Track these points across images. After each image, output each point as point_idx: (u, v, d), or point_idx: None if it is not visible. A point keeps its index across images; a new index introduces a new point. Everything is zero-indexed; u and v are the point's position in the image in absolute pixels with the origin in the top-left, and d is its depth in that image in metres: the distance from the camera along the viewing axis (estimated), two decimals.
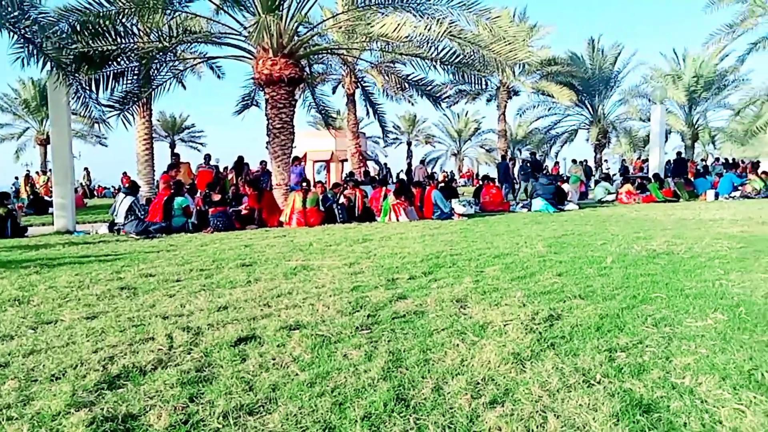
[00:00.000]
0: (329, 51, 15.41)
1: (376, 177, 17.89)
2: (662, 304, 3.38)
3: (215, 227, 9.22)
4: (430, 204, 11.17)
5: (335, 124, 21.84)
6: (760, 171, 16.88)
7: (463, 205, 12.49)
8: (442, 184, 14.27)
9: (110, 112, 11.65)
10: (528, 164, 19.03)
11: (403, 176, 26.86)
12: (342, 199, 10.93)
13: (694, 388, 2.12)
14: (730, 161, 30.54)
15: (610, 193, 16.47)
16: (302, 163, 15.79)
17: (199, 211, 9.89)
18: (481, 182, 16.52)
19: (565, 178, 18.34)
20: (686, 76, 28.81)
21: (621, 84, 27.96)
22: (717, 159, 32.79)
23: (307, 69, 14.76)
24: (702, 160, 33.58)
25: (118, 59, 11.02)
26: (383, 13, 11.05)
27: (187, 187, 10.78)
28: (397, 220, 10.62)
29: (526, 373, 2.35)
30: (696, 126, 30.42)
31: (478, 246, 6.39)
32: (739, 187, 15.67)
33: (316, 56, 15.70)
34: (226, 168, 15.67)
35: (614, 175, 25.49)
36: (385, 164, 29.33)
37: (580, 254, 5.52)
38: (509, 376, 2.33)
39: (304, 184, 10.83)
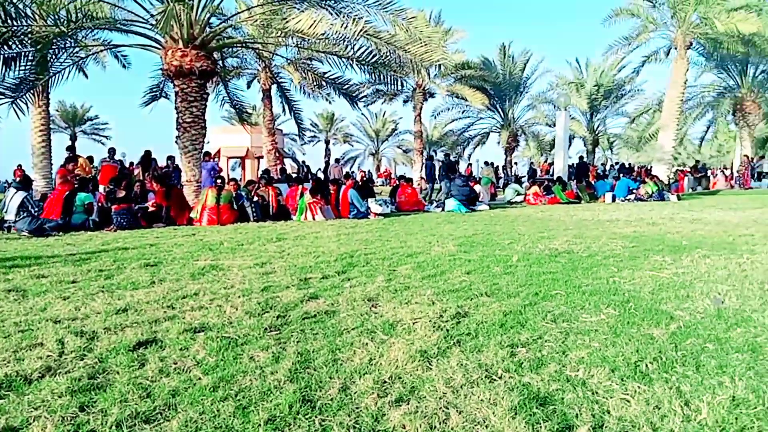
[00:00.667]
0: (243, 44, 15.04)
1: (293, 175, 17.67)
2: (561, 301, 3.56)
3: (119, 225, 8.72)
4: (347, 203, 11.16)
5: (250, 119, 21.35)
6: (652, 175, 18.25)
7: (380, 205, 12.60)
8: (360, 183, 14.33)
9: (1, 99, 10.75)
10: (444, 165, 19.50)
11: (320, 175, 26.71)
12: (255, 198, 10.69)
13: (586, 381, 2.24)
14: (626, 166, 32.78)
15: (518, 195, 17.20)
16: (214, 159, 15.31)
17: (101, 208, 9.31)
18: (397, 182, 16.73)
19: (477, 179, 18.95)
20: (588, 84, 30.65)
21: (530, 90, 29.31)
22: (615, 163, 35.00)
23: (220, 62, 14.30)
24: (602, 164, 35.87)
25: (10, 43, 10.16)
26: (299, 9, 10.92)
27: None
28: (313, 218, 10.53)
29: (432, 370, 2.39)
30: (596, 132, 32.44)
31: (392, 245, 6.46)
32: (634, 191, 16.85)
33: (230, 49, 15.27)
34: (132, 163, 14.88)
35: (523, 177, 26.68)
36: (304, 162, 29.04)
37: (488, 253, 5.72)
38: (416, 373, 2.36)
39: (219, 180, 10.50)
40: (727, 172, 29.37)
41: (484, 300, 3.63)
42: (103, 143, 40.81)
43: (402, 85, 21.85)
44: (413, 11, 11.13)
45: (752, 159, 27.68)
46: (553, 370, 2.36)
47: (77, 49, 12.27)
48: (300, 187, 11.80)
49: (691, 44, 20.29)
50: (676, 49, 19.75)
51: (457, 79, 24.67)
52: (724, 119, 28.65)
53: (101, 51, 15.26)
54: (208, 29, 11.33)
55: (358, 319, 3.21)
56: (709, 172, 30.69)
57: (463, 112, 29.62)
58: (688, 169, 28.99)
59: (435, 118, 31.69)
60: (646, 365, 2.37)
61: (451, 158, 24.57)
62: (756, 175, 28.11)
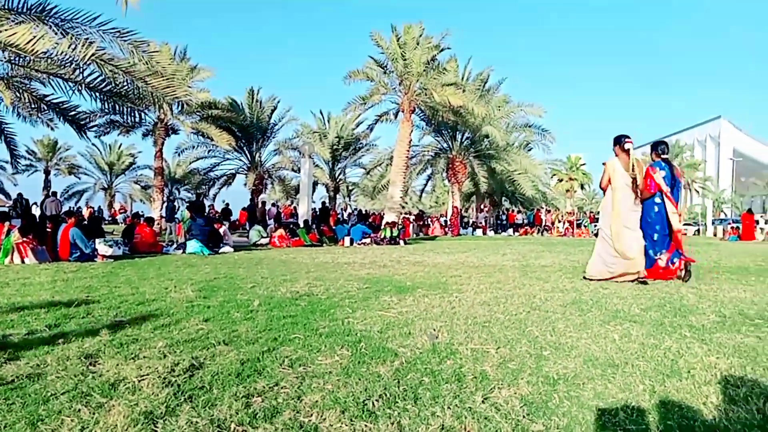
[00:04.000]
0: None
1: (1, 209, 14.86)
2: (299, 344, 3.62)
3: None
4: (67, 243, 9.80)
5: None
6: (387, 221, 20.13)
7: (110, 246, 11.39)
8: (85, 222, 12.75)
9: None
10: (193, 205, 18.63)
11: (36, 210, 23.08)
12: None
13: (318, 425, 2.29)
14: (363, 212, 35.54)
15: (263, 237, 17.27)
16: None
17: None
18: (133, 220, 15.35)
19: (221, 220, 18.50)
20: (330, 135, 32.81)
21: (276, 135, 30.08)
22: (354, 210, 37.66)
23: None
24: (342, 209, 38.33)
25: None
26: (15, 21, 9.48)
27: None
28: (23, 261, 8.98)
29: None
30: (338, 180, 34.70)
31: (121, 292, 5.84)
32: (370, 236, 18.34)
33: None
34: None
35: (270, 220, 26.96)
36: (20, 195, 24.74)
37: (229, 298, 5.56)
38: None
39: None
40: (443, 220, 34.05)
41: (222, 349, 3.48)
42: None
43: (141, 118, 20.38)
44: (155, 45, 10.60)
45: (461, 210, 32.66)
46: (287, 418, 2.36)
47: None
48: (7, 224, 10.00)
49: (415, 109, 23.33)
50: (403, 112, 22.47)
51: (203, 118, 24.07)
52: (441, 175, 33.37)
53: None
54: None
55: (71, 380, 2.78)
56: (428, 220, 35.19)
57: (209, 151, 28.94)
58: (412, 217, 32.80)
59: (179, 155, 30.28)
60: (373, 403, 2.53)
61: (201, 198, 23.67)
62: (463, 223, 33.15)
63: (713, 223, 41.12)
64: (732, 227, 31.06)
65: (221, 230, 14.66)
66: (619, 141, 7.22)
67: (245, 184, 29.90)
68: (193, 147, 28.41)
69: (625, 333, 3.94)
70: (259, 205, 26.58)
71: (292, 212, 27.87)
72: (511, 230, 33.52)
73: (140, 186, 47.78)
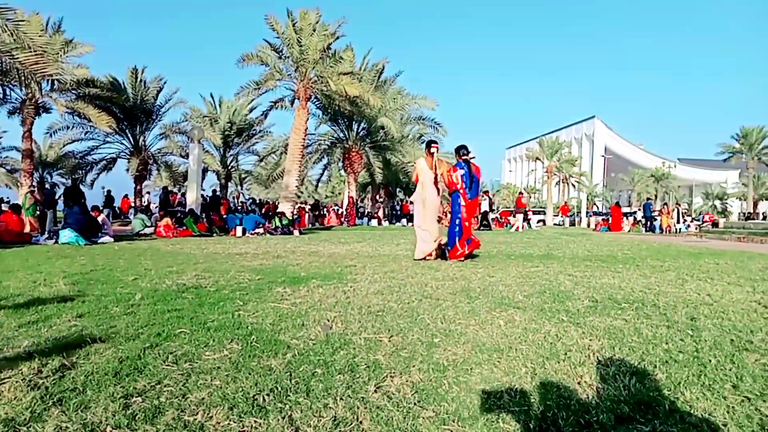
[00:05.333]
0: None
1: None
2: (185, 340, 3.43)
3: None
4: None
5: None
6: (278, 212, 19.77)
7: None
8: None
9: None
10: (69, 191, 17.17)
11: None
12: None
13: (204, 423, 2.18)
14: (257, 201, 34.68)
15: (147, 226, 16.31)
16: None
17: None
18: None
19: (100, 208, 17.22)
20: (222, 120, 31.60)
21: (163, 118, 28.46)
22: (248, 198, 36.65)
23: None
24: (234, 197, 37.14)
25: None
26: None
27: None
28: None
29: None
30: (229, 167, 33.53)
31: None
32: (263, 225, 17.94)
33: None
34: None
35: (156, 207, 25.51)
36: None
37: (107, 291, 5.17)
38: None
39: None
40: (339, 211, 34.09)
41: (98, 347, 3.22)
42: None
43: (6, 94, 18.51)
44: (23, 12, 9.57)
45: (356, 200, 32.85)
46: (170, 418, 2.22)
47: None
48: None
49: (311, 97, 23.06)
50: (298, 99, 22.13)
51: (80, 96, 22.17)
52: (337, 165, 33.36)
53: None
54: None
55: None
56: (324, 210, 35.07)
57: (86, 133, 26.76)
58: (308, 207, 32.54)
59: (51, 136, 27.73)
60: (263, 397, 2.45)
61: (78, 184, 21.82)
62: (359, 213, 33.38)
63: (587, 215, 44.64)
64: (603, 219, 33.90)
65: (99, 218, 13.64)
66: (428, 146, 8.99)
67: (128, 170, 28.01)
68: (68, 128, 26.10)
69: (509, 319, 4.14)
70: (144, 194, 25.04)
71: (180, 200, 26.58)
72: (405, 220, 34.26)
73: (5, 169, 43.30)
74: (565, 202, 45.55)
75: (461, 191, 8.58)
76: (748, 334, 3.71)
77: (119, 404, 2.33)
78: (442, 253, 8.79)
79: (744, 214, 51.85)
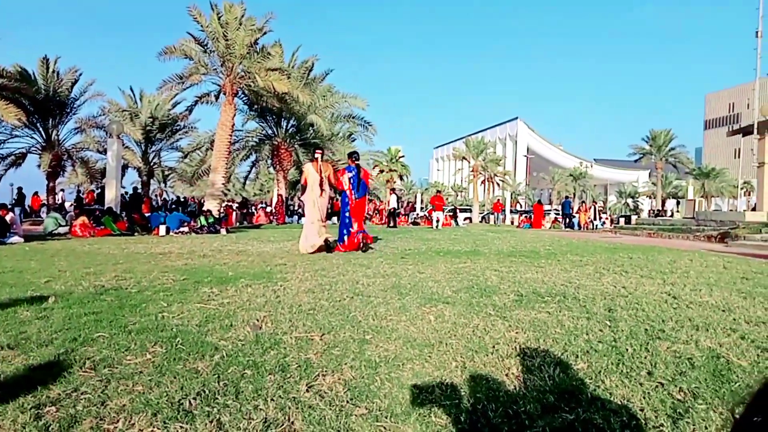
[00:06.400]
0: None
1: None
2: (104, 344, 3.25)
3: None
4: None
5: None
6: (204, 210, 19.18)
7: None
8: None
9: None
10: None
11: None
12: None
13: (125, 431, 2.07)
14: (182, 199, 33.53)
15: (61, 225, 15.38)
16: None
17: None
18: None
19: (8, 207, 16.05)
20: (143, 115, 30.23)
21: (78, 111, 26.84)
22: (173, 197, 35.30)
23: None
24: (156, 195, 35.70)
25: None
26: None
27: None
28: None
29: None
30: (152, 164, 32.16)
31: None
32: (188, 224, 17.35)
33: None
34: None
35: (70, 205, 24.07)
36: None
37: (17, 295, 4.82)
38: None
39: None
40: (268, 209, 33.47)
41: (6, 354, 3.00)
42: None
43: None
44: None
45: (286, 198, 32.40)
46: (88, 427, 2.09)
47: None
48: None
49: (238, 93, 22.49)
50: (225, 94, 21.52)
51: None
52: (265, 162, 32.74)
53: None
54: None
55: None
56: (253, 208, 34.36)
57: None
58: (236, 205, 31.78)
59: None
60: (190, 401, 2.36)
61: None
62: (289, 211, 32.93)
63: (511, 212, 46.17)
64: (526, 216, 35.20)
65: (8, 217, 12.71)
66: (313, 153, 10.16)
67: (39, 166, 26.22)
68: None
69: (439, 314, 4.21)
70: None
71: (96, 198, 25.22)
72: (335, 218, 34.15)
73: None
74: (498, 200, 46.86)
75: (348, 192, 9.77)
76: (660, 324, 3.96)
77: (30, 415, 2.17)
78: (327, 247, 9.64)
79: (653, 211, 55.38)
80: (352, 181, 9.73)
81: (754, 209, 20.09)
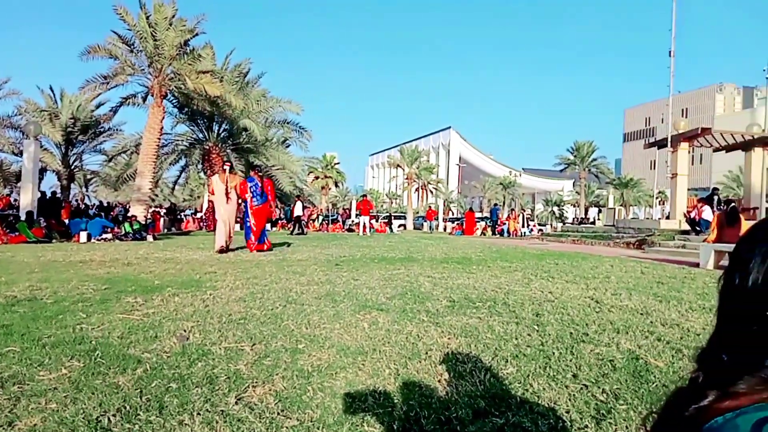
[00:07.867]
0: None
1: None
2: (14, 359, 3.03)
3: None
4: None
5: None
6: (129, 215, 18.36)
7: None
8: None
9: None
10: None
11: None
12: None
13: None
14: (105, 204, 32.01)
15: None
16: None
17: None
18: None
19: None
20: (63, 116, 28.69)
21: None
22: (96, 201, 33.63)
23: None
24: (78, 200, 33.88)
25: None
26: None
27: None
28: None
29: None
30: (72, 167, 30.52)
31: None
32: (112, 230, 16.55)
33: None
34: None
35: None
36: None
37: None
38: None
39: None
40: (198, 215, 32.48)
41: None
42: None
43: None
44: None
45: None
46: None
47: None
48: None
49: (167, 95, 21.75)
50: (153, 96, 20.76)
51: None
52: (196, 167, 31.74)
53: None
54: None
55: None
56: (181, 214, 33.24)
57: None
58: (163, 211, 30.65)
59: None
60: (109, 418, 2.23)
61: None
62: None
63: (444, 220, 47.00)
64: (457, 224, 35.94)
65: None
66: (222, 165, 12.14)
67: None
68: None
69: (373, 321, 4.20)
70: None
71: (11, 203, 23.64)
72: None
73: None
74: (431, 207, 47.58)
75: (249, 200, 11.53)
76: (584, 327, 4.12)
77: None
78: (228, 248, 11.15)
79: (577, 218, 57.96)
80: (252, 190, 11.58)
81: (668, 217, 21.38)
